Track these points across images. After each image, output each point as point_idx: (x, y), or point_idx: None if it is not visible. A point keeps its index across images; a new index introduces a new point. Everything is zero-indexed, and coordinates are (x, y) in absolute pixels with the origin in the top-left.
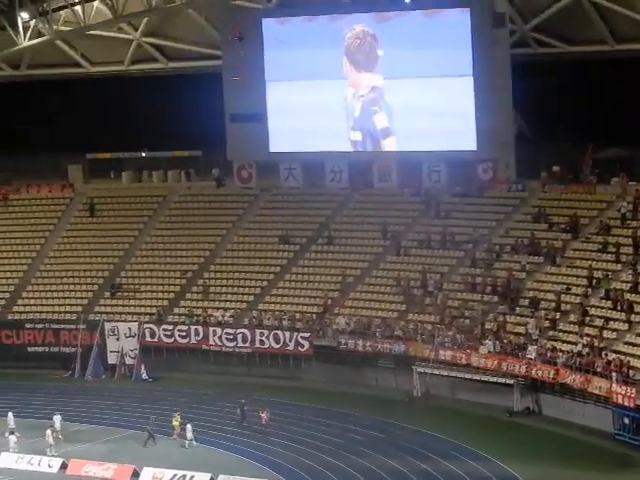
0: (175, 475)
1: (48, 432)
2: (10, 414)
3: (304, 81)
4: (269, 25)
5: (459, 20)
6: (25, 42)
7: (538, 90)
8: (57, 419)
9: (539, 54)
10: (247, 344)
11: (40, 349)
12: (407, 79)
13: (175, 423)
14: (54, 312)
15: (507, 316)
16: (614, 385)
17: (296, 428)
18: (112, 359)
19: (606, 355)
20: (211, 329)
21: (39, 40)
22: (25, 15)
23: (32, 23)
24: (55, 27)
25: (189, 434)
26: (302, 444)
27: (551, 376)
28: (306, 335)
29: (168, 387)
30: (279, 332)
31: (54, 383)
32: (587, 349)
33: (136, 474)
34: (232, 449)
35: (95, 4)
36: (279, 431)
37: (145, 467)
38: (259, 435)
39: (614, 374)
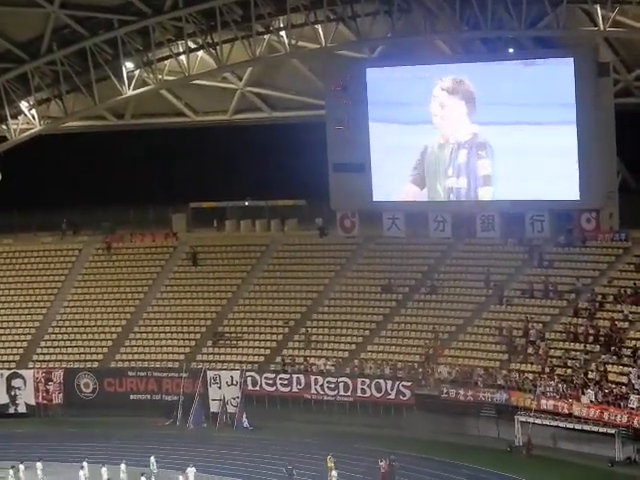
0: None
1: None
2: (152, 458)
3: (407, 129)
4: (371, 75)
5: (561, 69)
6: (130, 91)
7: None
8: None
9: None
10: (349, 393)
11: (142, 397)
12: (508, 127)
13: (330, 464)
14: (157, 360)
15: (609, 365)
16: None
17: (398, 477)
18: (214, 407)
19: None
20: (313, 378)
21: (143, 89)
22: (130, 65)
23: (137, 73)
24: (160, 76)
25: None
26: None
27: None
28: (408, 384)
29: (269, 436)
30: (381, 381)
31: (156, 431)
32: None
33: None
34: None
35: (199, 54)
36: None
37: None
38: None
39: None
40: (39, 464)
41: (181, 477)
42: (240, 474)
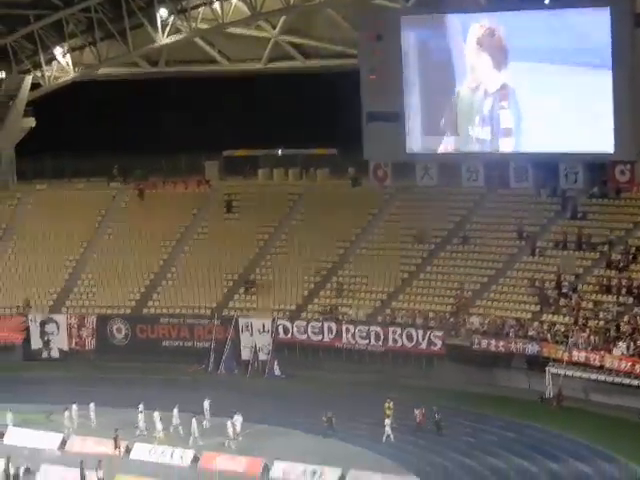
0: (305, 470)
1: (194, 422)
2: (206, 403)
3: (440, 77)
4: (405, 24)
5: (596, 19)
6: (163, 39)
7: None
8: (175, 413)
9: None
10: (380, 342)
11: (174, 343)
12: (542, 78)
13: (388, 411)
14: (189, 307)
15: None
16: None
17: (428, 427)
18: (245, 355)
19: None
20: (344, 327)
21: (177, 37)
22: (164, 12)
23: (170, 20)
24: (193, 24)
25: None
26: (434, 442)
27: None
28: (439, 334)
29: (301, 384)
30: (412, 330)
31: (187, 377)
32: None
33: (267, 468)
34: (365, 446)
35: (233, 2)
36: (411, 430)
37: (276, 461)
38: (393, 432)
39: None
40: (92, 405)
41: (229, 423)
42: (276, 422)
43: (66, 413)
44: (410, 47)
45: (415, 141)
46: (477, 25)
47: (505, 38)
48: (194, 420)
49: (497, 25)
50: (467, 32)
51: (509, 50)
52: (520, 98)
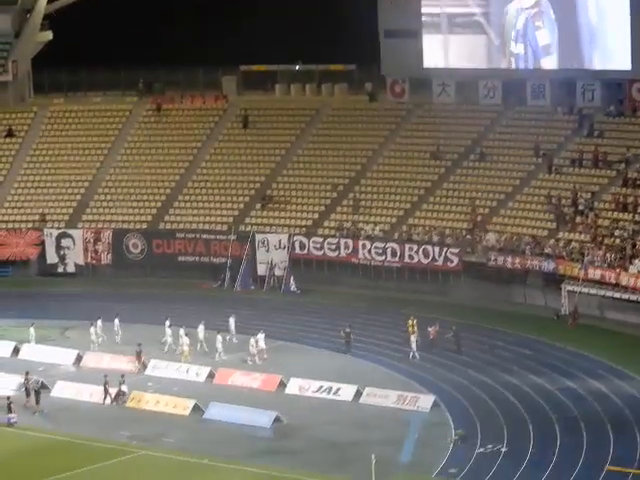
0: (321, 387)
1: (219, 338)
2: (231, 319)
3: None
4: None
5: None
6: None
7: None
8: (201, 329)
9: None
10: (396, 258)
11: (190, 259)
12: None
13: (411, 329)
14: (205, 222)
15: None
16: None
17: (444, 343)
18: (261, 270)
19: None
20: (361, 243)
21: None
22: None
23: None
24: None
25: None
26: (449, 359)
27: None
28: (455, 251)
29: (317, 300)
30: (429, 247)
31: (204, 293)
32: None
33: (283, 384)
34: (381, 362)
35: None
36: (427, 346)
37: (292, 377)
38: (408, 349)
39: None
40: (116, 321)
41: (252, 340)
42: (293, 338)
43: (92, 329)
44: None
45: (433, 57)
46: None
47: None
48: (219, 336)
49: None
50: None
51: None
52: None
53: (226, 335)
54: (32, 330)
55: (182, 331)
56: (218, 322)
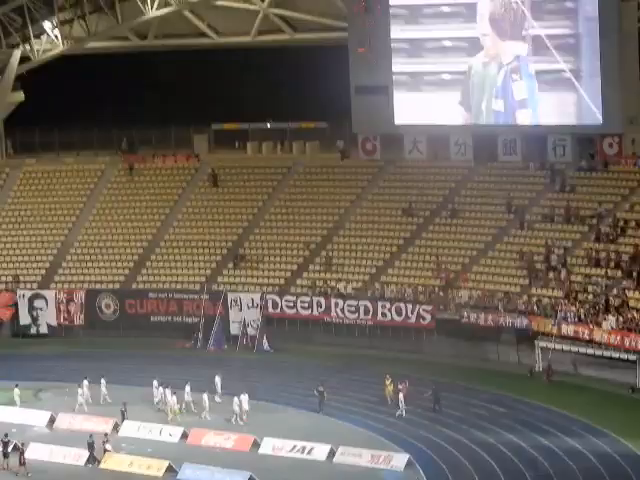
0: (295, 446)
1: (205, 397)
2: (217, 378)
3: (433, 52)
4: None
5: None
6: (152, 12)
7: None
8: (187, 389)
9: None
10: (369, 316)
11: (163, 318)
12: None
13: (389, 387)
14: (177, 282)
15: (630, 291)
16: None
17: (417, 401)
18: (234, 329)
19: None
20: (333, 301)
21: (166, 10)
22: None
23: None
24: None
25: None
26: (423, 417)
27: None
28: (428, 308)
29: (290, 358)
30: (401, 304)
31: (177, 352)
32: None
33: (256, 444)
34: (355, 421)
35: None
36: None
37: (266, 437)
38: (382, 408)
39: None
40: (103, 381)
41: (236, 399)
42: (266, 397)
43: (79, 390)
44: (400, 20)
45: (404, 114)
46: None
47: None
48: (205, 395)
49: None
50: (470, 5)
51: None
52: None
53: (213, 395)
54: (17, 391)
55: (169, 391)
56: (197, 381)
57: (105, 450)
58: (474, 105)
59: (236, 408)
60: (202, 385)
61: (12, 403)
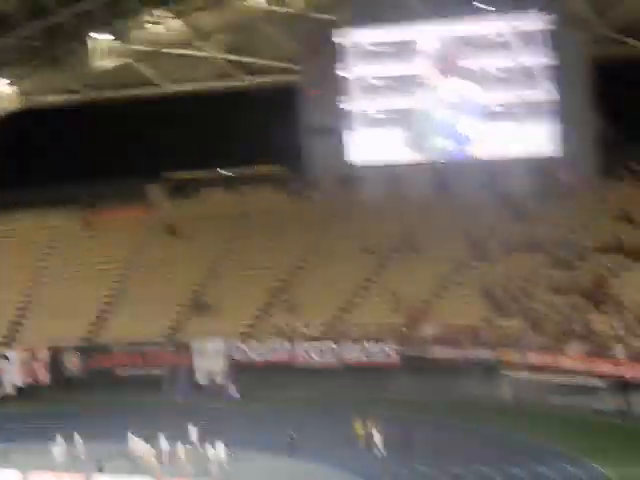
0: None
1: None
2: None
3: (382, 90)
4: (346, 37)
5: (538, 23)
6: (101, 64)
7: (618, 91)
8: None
9: (619, 55)
10: (335, 358)
11: (129, 372)
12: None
13: (359, 431)
14: (141, 334)
15: (594, 317)
16: None
17: (387, 440)
18: (201, 378)
19: None
20: (298, 344)
21: (115, 61)
22: (99, 37)
23: (108, 44)
24: (131, 47)
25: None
26: (394, 455)
27: None
28: (393, 345)
29: (258, 404)
30: (366, 343)
31: (145, 404)
32: None
33: None
34: (327, 462)
35: (171, 22)
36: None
37: None
38: (355, 449)
39: None
40: (76, 437)
41: (210, 448)
42: (237, 445)
43: (54, 449)
44: (351, 60)
45: (359, 153)
46: (426, 37)
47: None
48: (179, 444)
49: (448, 35)
50: (415, 43)
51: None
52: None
53: (189, 445)
54: None
55: (143, 442)
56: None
57: None
58: (423, 143)
59: (211, 457)
60: (176, 434)
61: None
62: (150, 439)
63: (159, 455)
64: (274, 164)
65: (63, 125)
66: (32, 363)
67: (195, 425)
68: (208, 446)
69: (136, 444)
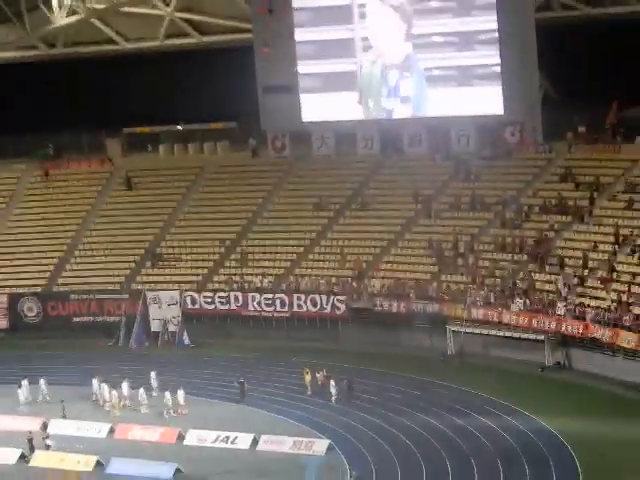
0: (219, 436)
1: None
2: (153, 374)
3: (334, 52)
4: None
5: None
6: (60, 21)
7: (562, 52)
8: (124, 385)
9: (563, 17)
10: (285, 308)
11: (85, 319)
12: (436, 47)
13: (307, 377)
14: (98, 283)
15: (537, 274)
16: None
17: (333, 390)
18: (155, 327)
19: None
20: (250, 295)
21: (74, 18)
22: None
23: (67, 2)
24: (89, 5)
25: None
26: (341, 403)
27: (580, 331)
28: (342, 298)
29: (210, 352)
30: (316, 296)
31: (100, 351)
32: (615, 304)
33: (181, 436)
34: (276, 410)
35: None
36: (319, 391)
37: (190, 429)
38: (302, 396)
39: None
40: (42, 381)
41: (167, 394)
42: (189, 391)
43: (19, 390)
44: (303, 20)
45: (311, 111)
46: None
47: (407, 12)
48: (142, 390)
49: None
50: (364, 7)
51: (411, 24)
52: (420, 66)
53: (151, 391)
54: None
55: (105, 387)
56: (115, 377)
57: (47, 446)
58: (368, 103)
59: (167, 402)
60: (132, 381)
61: None
62: (108, 385)
63: (118, 401)
64: (230, 121)
65: (25, 79)
66: None
67: (157, 371)
68: (166, 392)
69: (95, 389)
